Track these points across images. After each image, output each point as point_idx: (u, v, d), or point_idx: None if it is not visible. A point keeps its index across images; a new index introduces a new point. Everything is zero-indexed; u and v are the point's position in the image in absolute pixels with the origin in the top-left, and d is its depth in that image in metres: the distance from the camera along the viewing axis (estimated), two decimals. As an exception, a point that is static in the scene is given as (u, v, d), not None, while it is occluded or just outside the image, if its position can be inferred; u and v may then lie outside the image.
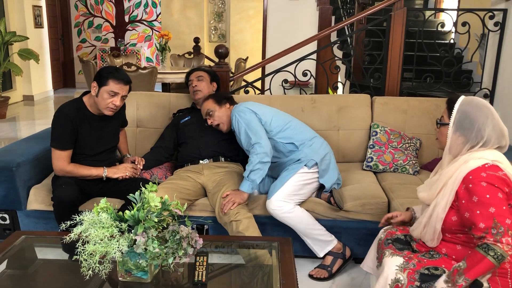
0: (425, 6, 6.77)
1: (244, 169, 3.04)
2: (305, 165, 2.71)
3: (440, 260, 1.81)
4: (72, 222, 1.70)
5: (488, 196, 1.65)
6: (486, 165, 1.71)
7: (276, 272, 1.84)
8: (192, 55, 7.51)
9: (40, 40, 8.74)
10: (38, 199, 2.78)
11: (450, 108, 1.84)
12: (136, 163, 2.88)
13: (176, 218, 1.74)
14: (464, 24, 3.62)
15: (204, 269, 1.79)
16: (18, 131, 6.45)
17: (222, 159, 2.99)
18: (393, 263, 1.83)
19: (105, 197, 2.45)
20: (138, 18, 10.15)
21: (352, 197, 2.78)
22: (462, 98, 1.82)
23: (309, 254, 2.81)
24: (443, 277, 1.71)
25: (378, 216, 2.72)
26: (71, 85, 10.30)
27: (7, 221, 2.82)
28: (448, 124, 1.83)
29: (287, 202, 2.59)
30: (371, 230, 2.64)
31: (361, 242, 2.75)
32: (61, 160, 2.59)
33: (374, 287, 2.17)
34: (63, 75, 10.21)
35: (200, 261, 1.83)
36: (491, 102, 3.64)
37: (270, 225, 2.70)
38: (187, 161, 3.01)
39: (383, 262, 1.90)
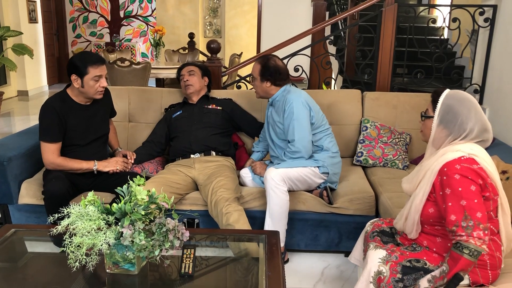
0: (419, 2, 6.78)
1: (236, 163, 3.10)
2: (318, 167, 2.76)
3: (422, 253, 1.84)
4: (60, 215, 1.72)
5: (460, 189, 1.67)
6: (462, 158, 1.73)
7: (263, 265, 1.86)
8: (186, 51, 7.52)
9: (35, 35, 8.72)
10: (29, 193, 2.80)
11: (434, 101, 1.86)
12: (128, 157, 2.90)
13: (163, 211, 1.76)
14: (454, 20, 3.64)
15: (191, 261, 1.82)
16: (13, 126, 6.45)
17: (213, 153, 3.01)
18: (376, 256, 1.85)
19: (93, 191, 2.50)
20: (133, 13, 10.13)
21: (339, 193, 2.82)
22: (447, 91, 1.84)
23: (298, 247, 2.85)
24: (428, 277, 1.73)
25: (366, 210, 2.75)
26: (66, 80, 10.19)
27: (-1, 215, 2.84)
28: (432, 117, 1.85)
29: (285, 183, 2.63)
30: (359, 224, 2.68)
31: (350, 235, 2.78)
32: (50, 153, 2.60)
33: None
34: (58, 70, 10.19)
35: (187, 253, 1.85)
36: (481, 97, 3.67)
37: (261, 218, 2.72)
38: (178, 155, 3.03)
39: (366, 255, 1.93)
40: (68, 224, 1.66)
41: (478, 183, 1.69)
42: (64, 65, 10.24)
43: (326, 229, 2.80)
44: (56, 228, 1.67)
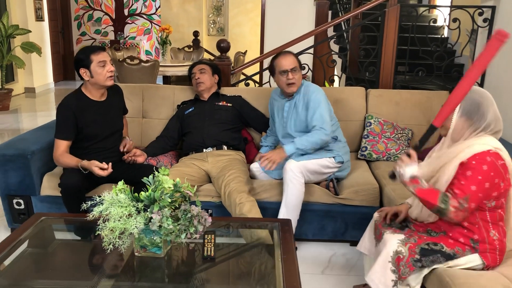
0: (420, 2, 6.92)
1: (245, 157, 3.24)
2: (333, 157, 2.91)
3: (439, 238, 1.98)
4: (92, 202, 1.88)
5: (480, 177, 1.83)
6: (490, 151, 1.87)
7: (278, 249, 2.02)
8: (191, 49, 7.65)
9: (41, 33, 8.86)
10: (51, 185, 2.95)
11: None
12: (121, 146, 3.00)
13: (188, 198, 1.92)
14: (455, 20, 3.79)
15: (212, 245, 1.97)
16: (20, 122, 6.59)
17: (225, 147, 3.16)
18: (396, 238, 2.00)
19: (111, 183, 2.65)
20: (137, 11, 10.26)
21: (345, 185, 2.98)
22: None
23: (306, 237, 3.00)
24: (410, 173, 1.92)
25: (370, 201, 2.90)
26: (71, 77, 10.41)
27: (22, 206, 2.99)
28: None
29: (302, 175, 2.77)
30: (364, 214, 2.83)
31: (355, 225, 2.93)
32: (57, 150, 2.77)
33: (367, 268, 2.37)
34: (63, 67, 10.32)
35: (208, 238, 2.00)
36: (480, 95, 3.82)
37: (271, 209, 2.87)
38: (191, 149, 3.18)
39: (384, 238, 2.05)
40: (101, 211, 1.81)
41: (494, 182, 1.85)
42: (69, 62, 10.38)
43: (333, 219, 2.95)
44: (92, 213, 1.82)
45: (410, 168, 1.94)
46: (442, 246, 1.95)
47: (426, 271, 1.95)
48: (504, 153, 1.90)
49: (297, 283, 1.74)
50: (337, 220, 2.96)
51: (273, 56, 3.05)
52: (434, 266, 1.93)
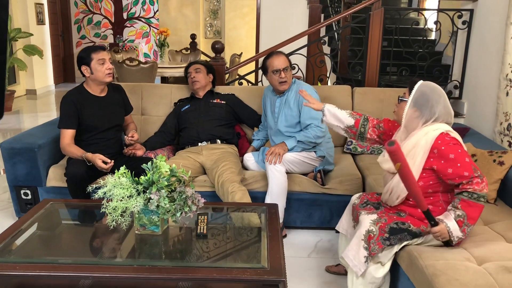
0: (410, 5, 7.16)
1: (238, 150, 3.46)
2: (314, 151, 3.13)
3: (406, 218, 2.20)
4: (97, 185, 2.09)
5: (460, 150, 2.06)
6: (443, 133, 2.10)
7: (264, 228, 2.23)
8: (189, 51, 7.88)
9: (42, 36, 9.08)
10: (56, 177, 3.17)
11: (411, 88, 2.21)
12: (130, 134, 3.20)
13: (183, 182, 2.13)
14: (435, 22, 4.02)
15: (205, 225, 2.18)
16: (22, 123, 6.80)
17: (219, 141, 3.38)
18: (369, 219, 2.22)
19: (112, 174, 2.85)
20: (136, 15, 10.48)
21: (331, 176, 3.20)
22: (420, 81, 2.20)
23: (295, 224, 3.21)
24: (451, 222, 2.00)
25: (354, 190, 3.11)
26: (71, 79, 10.62)
27: (29, 196, 3.20)
28: (407, 100, 2.20)
29: (283, 165, 3.00)
30: (348, 202, 3.03)
31: (340, 213, 3.09)
32: (63, 138, 3.00)
33: (341, 247, 2.61)
34: (64, 70, 10.53)
35: (201, 219, 2.21)
36: (461, 92, 4.05)
37: (262, 198, 3.08)
38: (187, 143, 3.40)
39: (360, 219, 2.28)
40: (105, 192, 2.02)
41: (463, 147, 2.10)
42: (69, 65, 10.60)
43: (319, 208, 3.17)
44: (97, 194, 2.04)
45: (452, 229, 2.02)
46: (409, 225, 2.16)
47: (396, 248, 2.16)
48: (454, 134, 2.11)
49: (279, 255, 1.95)
50: (323, 208, 3.17)
51: (265, 56, 3.26)
52: (401, 243, 2.14)
